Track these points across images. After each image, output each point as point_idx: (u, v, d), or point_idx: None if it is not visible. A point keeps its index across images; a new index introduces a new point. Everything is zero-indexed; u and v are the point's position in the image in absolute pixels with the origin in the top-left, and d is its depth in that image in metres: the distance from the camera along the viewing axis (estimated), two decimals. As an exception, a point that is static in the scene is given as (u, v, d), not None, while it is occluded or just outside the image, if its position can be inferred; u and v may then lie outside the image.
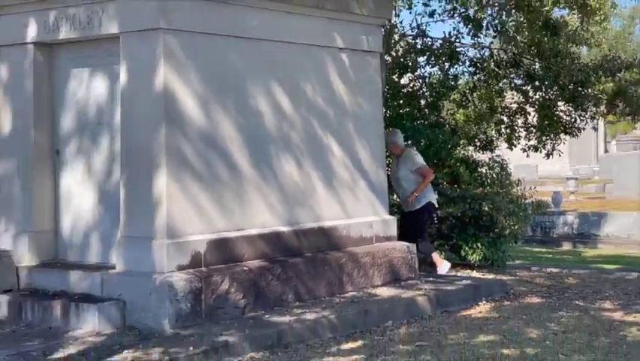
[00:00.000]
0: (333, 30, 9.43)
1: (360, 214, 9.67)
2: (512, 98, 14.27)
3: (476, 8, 13.15)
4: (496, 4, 13.24)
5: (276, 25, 8.79)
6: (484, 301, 9.33)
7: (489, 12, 13.34)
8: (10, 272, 8.39)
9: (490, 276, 10.81)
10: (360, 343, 7.43)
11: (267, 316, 7.94)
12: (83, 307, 7.63)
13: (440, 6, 13.39)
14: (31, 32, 8.59)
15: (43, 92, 8.71)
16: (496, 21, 13.33)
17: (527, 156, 14.66)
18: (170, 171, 7.77)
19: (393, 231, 10.06)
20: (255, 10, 8.58)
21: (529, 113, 14.01)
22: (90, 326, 7.54)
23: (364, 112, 9.84)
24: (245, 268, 8.17)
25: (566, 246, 19.48)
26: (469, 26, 13.24)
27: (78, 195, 8.62)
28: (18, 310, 8.00)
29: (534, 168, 31.87)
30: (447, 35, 13.22)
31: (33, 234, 8.58)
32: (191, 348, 6.80)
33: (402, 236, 10.20)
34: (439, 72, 13.51)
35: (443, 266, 10.48)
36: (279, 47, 8.85)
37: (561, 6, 13.21)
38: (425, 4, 13.45)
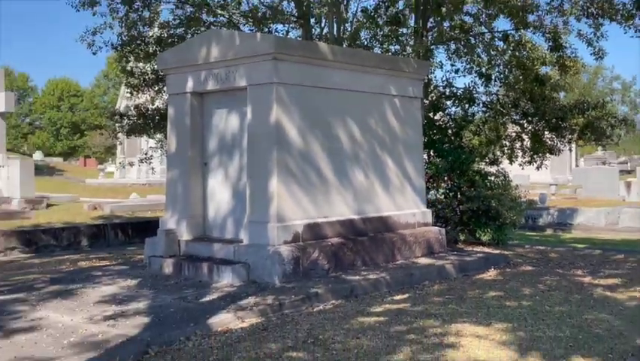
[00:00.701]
0: (388, 82, 9.37)
1: (406, 208, 9.58)
2: (512, 129, 14.01)
3: (487, 67, 12.98)
4: (501, 65, 13.07)
5: (350, 79, 8.78)
6: (492, 269, 9.16)
7: (496, 70, 13.15)
8: (174, 244, 8.56)
9: (496, 251, 10.61)
10: (407, 295, 7.37)
11: (343, 276, 7.93)
12: (222, 268, 7.73)
13: (462, 66, 13.23)
14: (189, 85, 8.75)
15: (197, 124, 8.85)
16: (502, 76, 13.15)
17: (522, 168, 14.42)
18: (279, 178, 7.83)
19: (430, 219, 9.94)
20: (336, 69, 8.59)
21: (524, 140, 13.73)
22: (226, 280, 7.63)
23: (410, 138, 9.76)
24: (328, 243, 8.18)
25: (549, 231, 19.00)
26: (482, 79, 13.09)
27: (219, 192, 8.74)
28: (179, 269, 8.15)
29: (526, 177, 31.26)
30: (467, 86, 13.08)
31: (189, 218, 8.72)
32: (293, 296, 6.84)
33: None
34: (461, 111, 13.33)
35: None
36: (352, 93, 8.83)
37: (547, 65, 12.94)
38: (452, 65, 13.29)
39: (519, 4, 11.53)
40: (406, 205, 9.57)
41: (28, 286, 7.63)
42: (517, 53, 12.64)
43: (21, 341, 5.39)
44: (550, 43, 12.30)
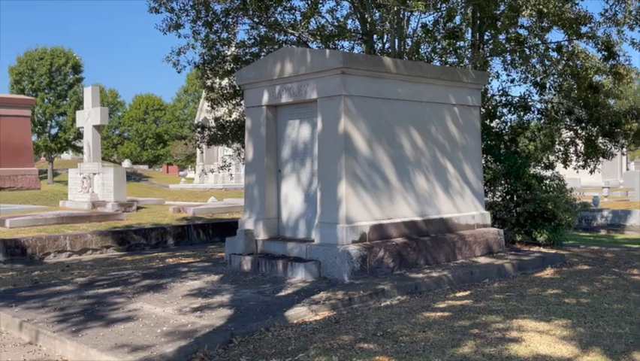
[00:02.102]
0: (448, 92, 9.26)
1: (466, 210, 9.44)
2: (566, 135, 13.59)
3: (542, 76, 12.65)
4: (555, 74, 12.69)
5: (412, 90, 8.72)
6: (549, 268, 8.91)
7: (551, 79, 12.80)
8: (252, 243, 8.68)
9: (553, 251, 10.30)
10: (468, 292, 7.24)
11: (407, 273, 7.86)
12: (295, 265, 7.80)
13: (517, 75, 12.93)
14: (265, 99, 8.88)
15: (271, 134, 8.96)
16: (556, 84, 12.78)
17: (577, 172, 13.91)
18: (347, 182, 7.84)
19: (488, 220, 9.75)
20: (399, 81, 8.55)
21: (578, 145, 13.31)
22: (300, 276, 7.69)
23: (469, 144, 9.61)
24: (393, 243, 8.13)
25: (602, 232, 18.34)
26: (537, 88, 12.76)
27: (291, 196, 8.83)
28: (256, 265, 8.26)
29: (578, 180, 30.37)
30: (522, 94, 12.77)
31: (265, 220, 8.84)
32: (362, 292, 6.82)
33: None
34: (517, 118, 13.02)
35: None
36: (414, 103, 8.77)
37: (600, 74, 12.50)
38: (508, 75, 13.01)
39: (572, 16, 11.20)
40: (465, 207, 9.42)
41: (124, 281, 7.88)
42: (570, 63, 12.26)
43: (120, 330, 5.57)
44: (603, 53, 11.89)
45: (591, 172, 13.53)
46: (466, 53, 12.50)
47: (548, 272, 8.62)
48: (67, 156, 55.47)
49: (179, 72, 12.61)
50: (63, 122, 43.82)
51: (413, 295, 7.03)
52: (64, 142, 43.59)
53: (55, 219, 13.57)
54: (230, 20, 12.10)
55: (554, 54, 12.54)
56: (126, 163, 49.80)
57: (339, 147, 7.87)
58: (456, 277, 7.76)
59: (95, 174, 16.83)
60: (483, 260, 8.85)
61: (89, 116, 17.43)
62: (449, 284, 7.58)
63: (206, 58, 12.59)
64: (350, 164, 7.86)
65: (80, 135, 39.12)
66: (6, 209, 15.71)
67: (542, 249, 10.47)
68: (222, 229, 14.11)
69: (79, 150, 44.43)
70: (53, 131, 44.07)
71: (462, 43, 12.70)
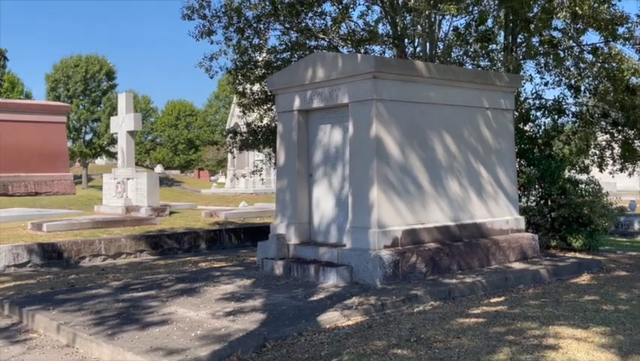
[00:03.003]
0: (481, 96, 9.17)
1: (500, 214, 9.32)
2: (602, 138, 13.34)
3: (577, 79, 12.44)
4: (591, 76, 12.48)
5: (445, 94, 8.66)
6: (585, 274, 8.74)
7: (586, 81, 12.58)
8: (284, 247, 8.70)
9: (589, 257, 10.11)
10: (503, 298, 7.14)
11: (440, 279, 7.79)
12: (327, 270, 7.79)
13: (551, 78, 12.74)
14: (296, 104, 8.91)
15: (303, 139, 8.99)
16: (591, 87, 12.55)
17: (613, 176, 13.64)
18: (379, 187, 7.81)
19: (522, 225, 9.61)
20: (431, 85, 8.50)
21: (614, 148, 13.04)
22: (331, 281, 7.68)
23: (502, 148, 9.49)
24: (426, 248, 8.07)
25: (640, 237, 17.93)
26: (572, 91, 12.55)
27: (323, 201, 8.83)
28: (288, 270, 8.28)
29: (613, 185, 29.74)
30: (556, 97, 12.60)
31: (297, 224, 8.86)
32: (394, 297, 6.78)
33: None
34: (551, 121, 12.83)
35: None
36: (446, 107, 8.71)
37: (637, 75, 12.23)
38: (541, 78, 12.85)
39: (608, 17, 11.00)
40: (499, 212, 9.30)
41: (158, 285, 7.97)
42: (606, 65, 12.04)
43: (155, 333, 5.63)
44: (641, 54, 11.66)
45: (630, 175, 13.26)
46: (499, 56, 12.37)
47: (585, 278, 8.45)
48: (101, 161, 56.43)
49: (211, 78, 12.76)
50: (97, 128, 44.65)
51: (446, 301, 6.96)
52: (99, 148, 44.38)
53: (90, 223, 13.81)
54: (261, 26, 12.20)
55: (589, 56, 12.33)
56: (158, 168, 50.45)
57: (370, 152, 7.85)
58: (490, 283, 7.66)
59: (128, 179, 17.08)
60: (517, 266, 8.73)
61: (123, 122, 17.72)
62: (483, 290, 7.49)
63: (238, 64, 12.70)
64: (382, 168, 7.83)
65: (113, 141, 39.76)
66: (43, 213, 16.06)
67: (578, 254, 10.28)
68: (254, 233, 14.18)
69: (112, 155, 45.19)
70: (88, 137, 44.94)
71: (494, 46, 12.58)
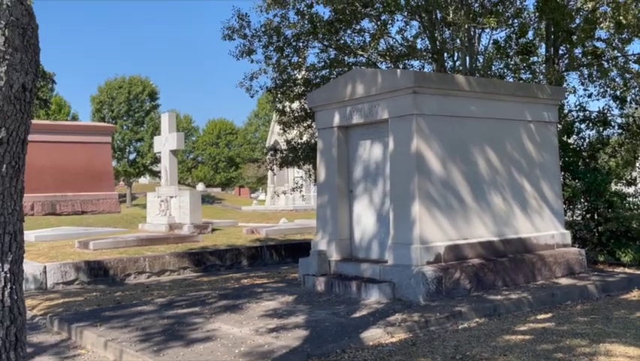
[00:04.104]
0: (524, 109, 9.05)
1: (545, 229, 9.14)
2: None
3: (622, 90, 12.16)
4: (637, 86, 12.18)
5: (486, 108, 8.58)
6: (636, 289, 8.46)
7: (632, 92, 12.28)
8: (325, 263, 8.70)
9: (639, 272, 9.78)
10: (550, 314, 6.98)
11: (485, 295, 7.67)
12: (369, 286, 7.75)
13: (596, 90, 12.49)
14: (336, 120, 8.94)
15: (343, 155, 9.00)
16: (638, 97, 12.24)
17: (662, 189, 13.21)
18: (421, 202, 7.76)
19: (568, 240, 9.39)
20: (472, 99, 8.44)
21: (664, 159, 12.68)
22: (374, 297, 7.63)
23: (546, 161, 9.33)
24: (469, 264, 7.96)
25: (693, 252, 17.28)
26: (617, 102, 12.26)
27: (364, 217, 8.81)
28: (330, 286, 8.27)
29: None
30: (601, 109, 12.30)
31: (338, 240, 8.85)
32: (438, 314, 6.70)
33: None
34: (596, 134, 12.54)
35: None
36: (488, 121, 8.62)
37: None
38: (585, 89, 12.60)
39: (654, 25, 10.73)
40: (544, 227, 9.12)
41: (201, 301, 8.05)
42: (653, 75, 11.76)
43: (199, 350, 5.68)
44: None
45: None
46: (541, 68, 12.21)
47: (635, 294, 8.19)
48: (144, 180, 57.54)
49: (252, 97, 12.93)
50: (140, 148, 45.62)
51: (492, 318, 6.84)
52: (142, 167, 45.31)
53: (134, 241, 14.06)
54: (300, 44, 12.32)
55: (635, 66, 12.06)
56: (200, 186, 51.13)
57: (411, 167, 7.81)
58: (536, 299, 7.50)
59: (172, 197, 17.36)
60: (564, 281, 8.52)
61: (165, 142, 18.06)
62: (529, 306, 7.33)
63: (277, 82, 12.84)
64: (423, 183, 7.79)
65: (156, 160, 40.57)
66: (89, 232, 16.43)
67: (627, 270, 9.97)
68: (294, 249, 14.21)
69: (155, 174, 46.09)
70: (132, 156, 45.96)
71: (536, 58, 12.42)
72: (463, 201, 8.18)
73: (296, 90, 12.85)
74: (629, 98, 12.34)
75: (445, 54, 12.19)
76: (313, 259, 8.69)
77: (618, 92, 12.26)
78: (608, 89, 12.27)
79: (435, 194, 7.90)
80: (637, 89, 12.21)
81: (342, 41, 12.25)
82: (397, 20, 12.36)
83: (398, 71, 8.34)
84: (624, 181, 12.44)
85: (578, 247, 9.71)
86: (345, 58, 12.60)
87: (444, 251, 7.84)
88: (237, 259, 13.62)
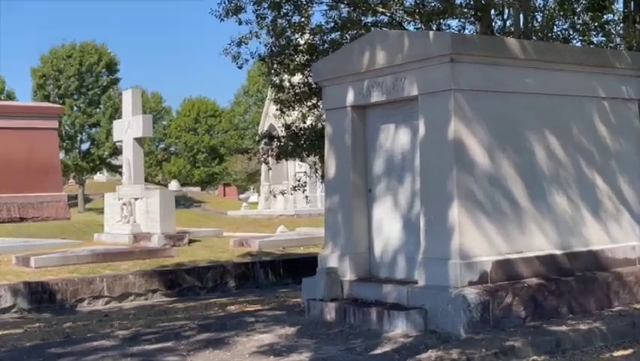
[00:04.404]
0: (594, 82, 8.99)
1: (623, 239, 9.08)
2: None
3: None
4: None
5: (545, 81, 8.54)
6: None
7: None
8: (336, 285, 8.68)
9: None
10: (630, 351, 6.95)
11: (544, 325, 7.64)
12: (394, 314, 7.73)
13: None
14: (349, 98, 8.93)
15: (359, 143, 8.98)
16: None
17: None
18: (460, 204, 7.75)
19: (655, 254, 9.36)
20: (528, 69, 8.41)
21: None
22: (399, 329, 7.62)
23: (624, 150, 9.28)
24: (524, 285, 7.94)
25: None
26: None
27: (386, 223, 8.79)
28: (343, 314, 8.25)
29: None
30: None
31: (353, 255, 8.84)
32: (484, 350, 6.68)
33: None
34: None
35: None
36: (548, 98, 8.58)
37: None
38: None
39: None
40: (622, 237, 9.08)
41: (176, 334, 8.07)
42: None
43: (173, 397, 5.70)
44: None
45: None
46: (617, 29, 12.14)
47: None
48: (101, 177, 57.84)
49: (239, 67, 12.91)
50: (96, 135, 45.74)
51: (554, 355, 6.83)
52: (98, 160, 45.46)
53: (89, 256, 14.13)
54: (303, 0, 12.31)
55: None
56: (174, 185, 51.32)
57: (448, 159, 7.80)
58: (612, 330, 7.48)
59: (137, 199, 17.42)
60: (649, 307, 8.50)
61: (128, 127, 18.10)
62: (603, 340, 7.31)
63: (273, 48, 12.82)
64: (464, 180, 7.77)
65: (117, 151, 40.62)
66: (30, 244, 16.46)
67: None
68: (296, 267, 14.23)
69: (116, 169, 46.23)
70: (84, 146, 46.12)
71: (611, 16, 12.35)
72: (515, 202, 8.16)
73: (297, 59, 12.84)
74: None
75: (493, 11, 12.16)
76: (321, 279, 8.69)
77: None
78: None
79: (479, 193, 7.88)
80: None
81: (357, -5, 12.23)
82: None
83: (430, 33, 8.35)
84: None
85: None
86: (362, 17, 12.58)
87: (491, 268, 7.83)
88: (222, 280, 13.67)
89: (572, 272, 8.45)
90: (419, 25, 12.52)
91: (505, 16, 12.25)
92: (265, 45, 12.84)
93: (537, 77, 8.47)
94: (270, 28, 12.53)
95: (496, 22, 12.24)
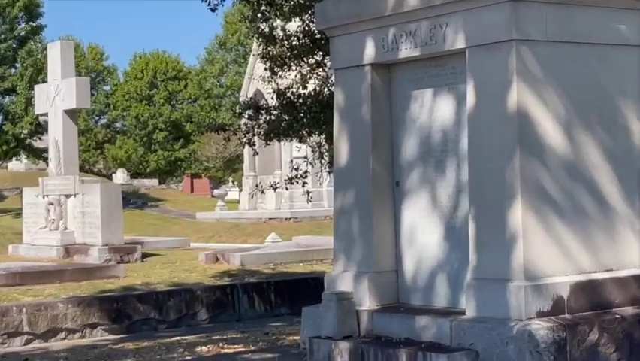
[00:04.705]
0: None
1: None
2: None
3: None
4: None
5: (646, 28, 8.54)
6: None
7: None
8: (350, 316, 8.64)
9: None
10: None
11: (645, 373, 7.66)
12: (432, 358, 7.73)
13: None
14: (368, 53, 8.91)
15: (381, 117, 8.97)
16: None
17: None
18: (526, 203, 7.71)
19: None
20: (624, 11, 8.37)
21: None
22: (440, 378, 7.63)
23: None
24: (617, 317, 7.91)
25: None
26: None
27: (421, 230, 8.78)
28: (360, 358, 8.24)
29: None
30: None
31: (373, 274, 8.82)
32: (559, 409, 6.69)
33: None
34: None
35: None
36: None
37: None
38: None
39: None
40: None
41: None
42: None
43: None
44: None
45: None
46: None
47: None
48: (18, 165, 57.95)
49: (213, 10, 12.86)
50: (10, 107, 45.76)
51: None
52: (14, 141, 45.47)
53: (1, 277, 14.14)
54: None
55: None
56: (120, 176, 51.42)
57: (509, 139, 7.78)
58: None
59: (68, 196, 17.42)
60: None
61: (56, 95, 18.08)
62: None
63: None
64: (531, 169, 7.75)
65: (40, 129, 40.65)
66: None
67: None
68: (294, 291, 14.28)
69: (39, 154, 46.26)
70: (-5, 122, 46.10)
71: None
72: (603, 200, 8.15)
73: (295, -1, 12.83)
74: None
75: None
76: (329, 308, 8.68)
77: None
78: None
79: (552, 187, 7.86)
80: None
81: None
82: None
83: (483, -40, 8.29)
84: None
85: None
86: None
87: (569, 292, 7.80)
88: (189, 310, 13.67)
89: (683, 298, 8.44)
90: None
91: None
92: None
93: (637, 23, 8.45)
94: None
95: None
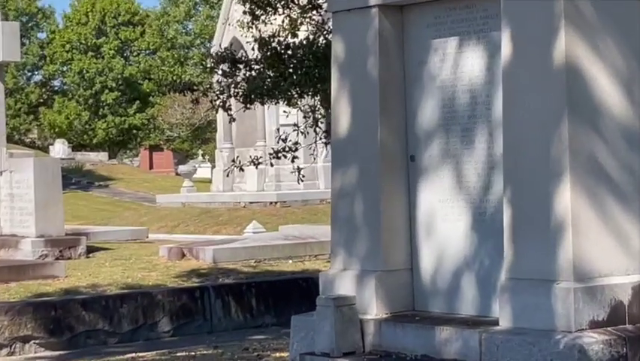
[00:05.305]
0: None
1: None
2: None
3: None
4: None
5: None
6: None
7: None
8: (352, 327, 8.68)
9: None
10: None
11: None
12: (456, 379, 7.79)
13: None
14: (376, -9, 8.94)
15: (392, 74, 9.00)
16: None
17: None
18: (576, 183, 7.71)
19: None
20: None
21: None
22: (466, 407, 7.69)
23: None
24: (692, 327, 7.96)
25: None
26: None
27: (442, 218, 8.83)
28: (378, 381, 8.33)
29: None
30: None
31: (381, 274, 8.86)
32: None
33: None
34: None
35: None
36: None
37: None
38: None
39: None
40: None
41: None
42: None
43: None
44: None
45: None
46: None
47: None
48: None
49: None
50: None
51: None
52: None
53: None
54: None
55: None
56: (59, 148, 51.42)
57: (554, 102, 7.80)
58: None
59: (-8, 174, 17.43)
60: None
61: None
62: None
63: None
64: (583, 140, 7.76)
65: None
66: None
67: None
68: (281, 295, 14.32)
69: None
70: None
71: None
72: (676, 180, 8.17)
73: None
74: None
75: None
76: (325, 317, 8.71)
77: None
78: None
79: (610, 164, 7.89)
80: None
81: None
82: None
83: None
84: None
85: None
86: None
87: (631, 296, 7.85)
88: (148, 319, 13.71)
89: None
90: None
91: None
92: None
93: None
94: None
95: None
